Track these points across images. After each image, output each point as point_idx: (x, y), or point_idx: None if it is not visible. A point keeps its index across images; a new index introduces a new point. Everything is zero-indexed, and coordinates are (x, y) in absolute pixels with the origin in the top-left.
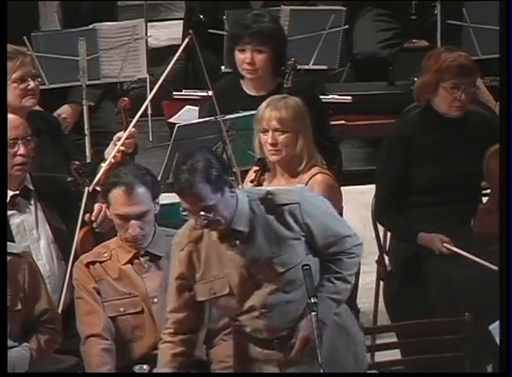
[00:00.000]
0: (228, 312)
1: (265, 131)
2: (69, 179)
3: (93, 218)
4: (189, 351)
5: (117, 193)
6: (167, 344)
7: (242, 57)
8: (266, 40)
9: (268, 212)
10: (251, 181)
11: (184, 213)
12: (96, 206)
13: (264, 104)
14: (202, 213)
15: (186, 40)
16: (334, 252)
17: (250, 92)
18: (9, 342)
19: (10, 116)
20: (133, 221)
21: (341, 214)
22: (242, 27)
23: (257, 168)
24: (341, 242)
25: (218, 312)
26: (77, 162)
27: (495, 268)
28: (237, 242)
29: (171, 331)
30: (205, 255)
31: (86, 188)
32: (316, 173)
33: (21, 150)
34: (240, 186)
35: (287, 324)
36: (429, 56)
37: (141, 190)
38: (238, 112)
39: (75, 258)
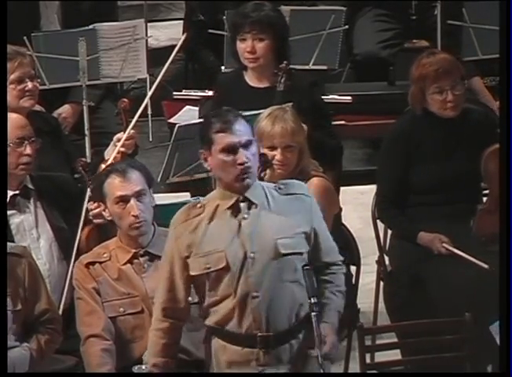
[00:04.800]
0: (220, 290)
1: (273, 148)
2: (76, 176)
3: (91, 207)
4: (175, 340)
5: (111, 180)
6: (155, 332)
7: (243, 46)
8: (266, 28)
9: (281, 196)
10: None
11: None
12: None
13: (268, 121)
14: (244, 152)
15: (182, 38)
16: (329, 262)
17: (253, 83)
18: (9, 342)
19: (16, 116)
20: (132, 202)
21: (340, 214)
22: (242, 16)
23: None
24: (334, 252)
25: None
26: (84, 160)
27: (487, 267)
28: (246, 215)
29: (160, 314)
30: (204, 230)
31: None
32: (312, 177)
33: (27, 150)
34: None
35: (280, 319)
36: (413, 64)
37: (134, 173)
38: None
39: (78, 257)
